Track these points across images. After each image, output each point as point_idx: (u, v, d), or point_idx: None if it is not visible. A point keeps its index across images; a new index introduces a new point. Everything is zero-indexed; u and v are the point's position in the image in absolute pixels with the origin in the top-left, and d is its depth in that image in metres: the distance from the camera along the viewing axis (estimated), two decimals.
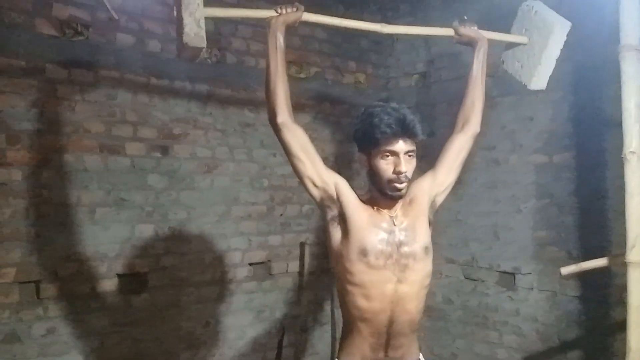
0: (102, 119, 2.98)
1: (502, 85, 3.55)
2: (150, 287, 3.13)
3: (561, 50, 2.12)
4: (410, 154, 1.77)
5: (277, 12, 1.91)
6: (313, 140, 3.72)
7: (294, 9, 1.92)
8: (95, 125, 2.96)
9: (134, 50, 3.07)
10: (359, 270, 1.79)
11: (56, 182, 2.84)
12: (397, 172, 1.74)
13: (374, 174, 1.80)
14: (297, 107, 3.67)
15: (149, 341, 3.13)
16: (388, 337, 1.82)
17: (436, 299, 3.90)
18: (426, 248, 1.86)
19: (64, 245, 2.86)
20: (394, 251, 1.80)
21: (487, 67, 3.55)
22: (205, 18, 1.90)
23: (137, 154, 3.09)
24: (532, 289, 3.40)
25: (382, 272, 1.78)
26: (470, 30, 2.12)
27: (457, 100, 3.75)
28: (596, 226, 3.10)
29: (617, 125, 2.29)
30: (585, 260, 2.70)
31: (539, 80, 2.14)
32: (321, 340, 3.85)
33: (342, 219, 1.83)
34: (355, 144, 1.88)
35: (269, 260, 3.63)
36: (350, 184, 1.88)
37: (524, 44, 2.21)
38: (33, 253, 2.77)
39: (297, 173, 1.87)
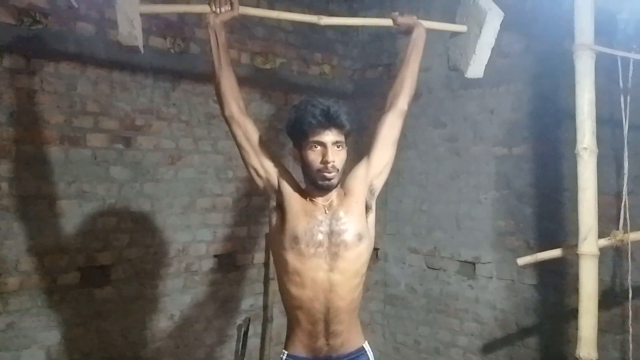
0: (63, 109, 2.93)
1: (465, 78, 3.60)
2: (113, 279, 3.11)
3: (495, 38, 2.14)
4: (338, 144, 1.82)
5: (212, 9, 1.95)
6: (278, 130, 3.76)
7: (228, 7, 1.97)
8: (56, 116, 2.90)
9: (95, 39, 3.02)
10: (292, 258, 1.84)
11: (16, 174, 2.78)
12: (324, 162, 1.80)
13: (305, 166, 1.86)
14: (263, 98, 3.72)
15: (114, 333, 3.12)
16: (326, 324, 1.86)
17: (400, 288, 3.98)
18: (358, 234, 1.88)
19: (25, 238, 2.81)
20: (325, 240, 1.85)
21: (448, 61, 3.65)
22: (141, 15, 1.97)
23: (99, 146, 3.05)
24: (491, 277, 3.50)
25: (313, 260, 1.83)
26: (408, 19, 2.16)
27: (420, 91, 3.83)
28: (553, 216, 3.20)
29: (573, 118, 2.36)
30: (542, 250, 2.77)
31: (474, 68, 2.17)
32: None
33: (281, 208, 1.90)
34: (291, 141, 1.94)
35: (234, 252, 3.63)
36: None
37: (463, 32, 2.23)
38: None
39: (243, 162, 1.97)
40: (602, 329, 2.55)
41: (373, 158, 2.00)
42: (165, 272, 3.33)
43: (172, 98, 3.34)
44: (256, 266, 3.76)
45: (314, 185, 1.87)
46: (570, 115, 2.41)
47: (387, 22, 2.15)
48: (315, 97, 1.86)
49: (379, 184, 2.01)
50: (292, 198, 1.89)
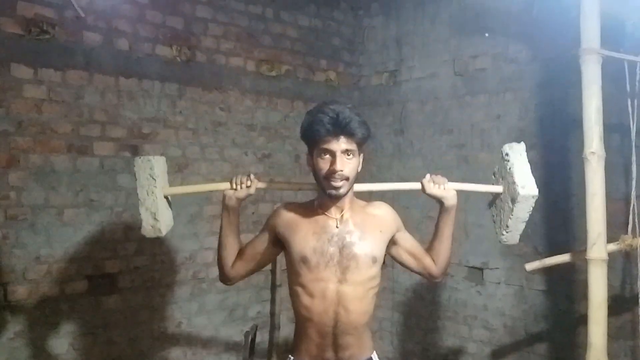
0: (70, 119, 2.94)
1: (472, 85, 3.62)
2: (121, 288, 3.12)
3: (529, 213, 1.98)
4: (348, 153, 1.78)
5: (232, 186, 1.91)
6: (284, 138, 3.77)
7: (248, 182, 1.91)
8: (63, 125, 2.92)
9: (102, 49, 3.04)
10: (303, 271, 1.85)
11: (24, 183, 2.80)
12: (332, 171, 1.76)
13: (315, 173, 1.84)
14: (269, 105, 3.73)
15: (122, 343, 3.12)
16: (334, 337, 1.85)
17: (408, 295, 3.96)
18: (374, 257, 1.87)
19: (33, 247, 2.83)
20: (335, 253, 1.84)
21: (457, 67, 3.66)
22: (166, 196, 2.02)
23: (106, 154, 3.06)
24: (499, 283, 3.48)
25: (323, 272, 1.83)
26: (436, 190, 1.97)
27: (427, 98, 3.84)
28: (562, 222, 3.18)
29: (581, 124, 2.35)
30: (550, 256, 2.76)
31: (507, 237, 2.04)
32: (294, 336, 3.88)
33: (287, 243, 1.91)
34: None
35: None
36: None
37: (500, 193, 2.05)
38: (0, 256, 2.73)
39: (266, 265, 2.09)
40: (612, 336, 2.53)
41: (405, 238, 2.03)
42: (172, 280, 3.33)
43: (178, 106, 3.35)
44: (263, 273, 3.75)
45: (323, 193, 1.85)
46: (578, 122, 2.41)
47: (416, 186, 2.00)
48: (331, 102, 1.81)
49: (390, 251, 2.02)
50: (294, 227, 1.89)
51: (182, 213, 3.35)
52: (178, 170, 3.34)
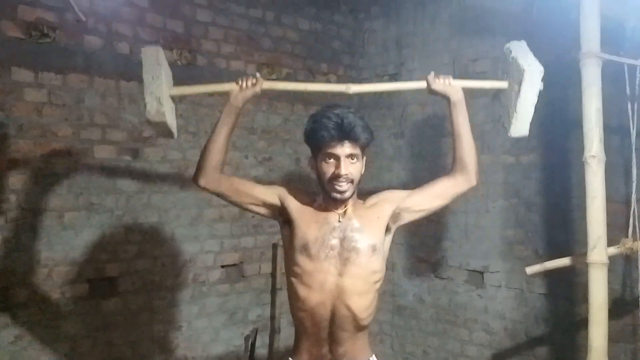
0: (71, 122, 2.94)
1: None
2: (121, 291, 3.11)
3: (537, 95, 1.98)
4: (352, 157, 1.81)
5: (238, 84, 1.95)
6: (284, 141, 3.77)
7: (254, 81, 1.95)
8: (64, 128, 2.92)
9: (103, 52, 3.04)
10: (302, 261, 1.86)
11: (24, 186, 2.80)
12: (336, 175, 1.80)
13: (319, 177, 1.87)
14: (269, 108, 3.73)
15: (122, 345, 3.12)
16: (330, 330, 1.86)
17: (408, 298, 3.96)
18: (373, 246, 1.88)
19: (33, 250, 2.82)
20: (336, 245, 1.85)
21: (457, 69, 3.66)
22: (170, 96, 2.04)
23: (106, 157, 3.06)
24: (500, 286, 3.47)
25: (323, 263, 1.84)
26: (442, 85, 1.98)
27: (428, 101, 3.84)
28: (562, 225, 3.18)
29: (581, 126, 2.35)
30: (551, 259, 2.76)
31: (517, 127, 2.03)
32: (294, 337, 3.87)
33: (289, 223, 1.92)
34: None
35: (241, 262, 3.63)
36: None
37: (505, 89, 2.09)
38: (1, 259, 2.73)
39: (239, 207, 2.01)
40: (613, 339, 2.52)
41: (414, 197, 1.99)
42: (173, 283, 3.33)
43: (179, 109, 3.30)
44: (263, 276, 3.75)
45: (327, 195, 1.87)
46: (578, 124, 2.41)
47: (421, 84, 2.02)
48: (334, 106, 1.84)
49: (408, 217, 2.01)
50: (300, 211, 1.91)
51: (183, 215, 3.36)
52: (179, 172, 3.34)
